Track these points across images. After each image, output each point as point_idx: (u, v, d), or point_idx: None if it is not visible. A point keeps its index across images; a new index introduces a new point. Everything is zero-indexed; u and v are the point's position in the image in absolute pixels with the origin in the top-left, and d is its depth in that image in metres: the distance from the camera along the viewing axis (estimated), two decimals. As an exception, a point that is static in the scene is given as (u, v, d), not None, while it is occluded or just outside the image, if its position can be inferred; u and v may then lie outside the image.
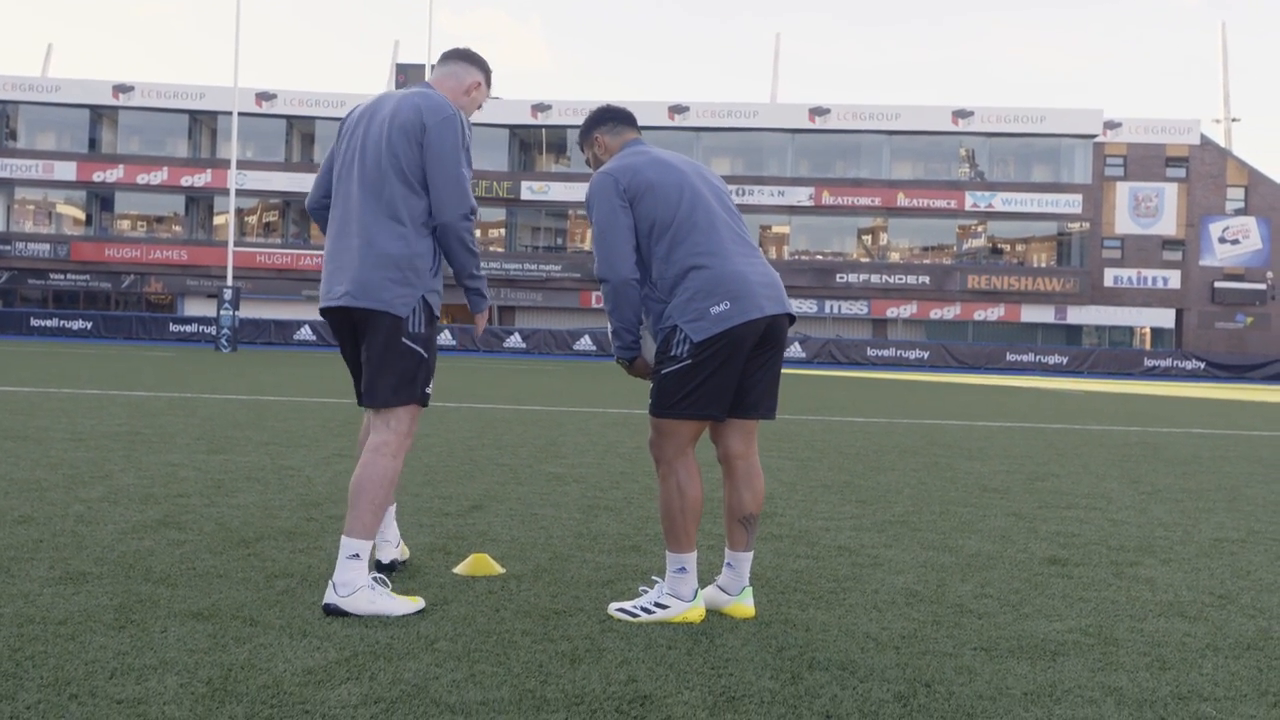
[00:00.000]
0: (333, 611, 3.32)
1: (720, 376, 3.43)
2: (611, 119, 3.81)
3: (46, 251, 47.10)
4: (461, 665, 2.89)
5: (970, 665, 3.06)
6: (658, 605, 3.46)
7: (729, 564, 3.62)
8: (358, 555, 3.39)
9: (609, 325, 3.63)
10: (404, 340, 3.51)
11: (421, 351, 3.55)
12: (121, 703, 2.51)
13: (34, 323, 42.27)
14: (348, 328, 3.63)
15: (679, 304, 3.45)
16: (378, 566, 3.87)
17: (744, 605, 3.56)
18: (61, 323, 42.36)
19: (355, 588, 3.35)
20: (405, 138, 3.50)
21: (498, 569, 4.03)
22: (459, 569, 4.01)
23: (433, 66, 3.89)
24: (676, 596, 3.47)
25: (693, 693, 2.75)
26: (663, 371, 3.48)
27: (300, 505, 5.34)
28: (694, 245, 3.47)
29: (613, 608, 3.52)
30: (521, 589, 3.78)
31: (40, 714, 2.43)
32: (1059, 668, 3.06)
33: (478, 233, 46.89)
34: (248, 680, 2.70)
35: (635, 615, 3.44)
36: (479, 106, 3.88)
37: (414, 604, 3.43)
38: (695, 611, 3.47)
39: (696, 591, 3.49)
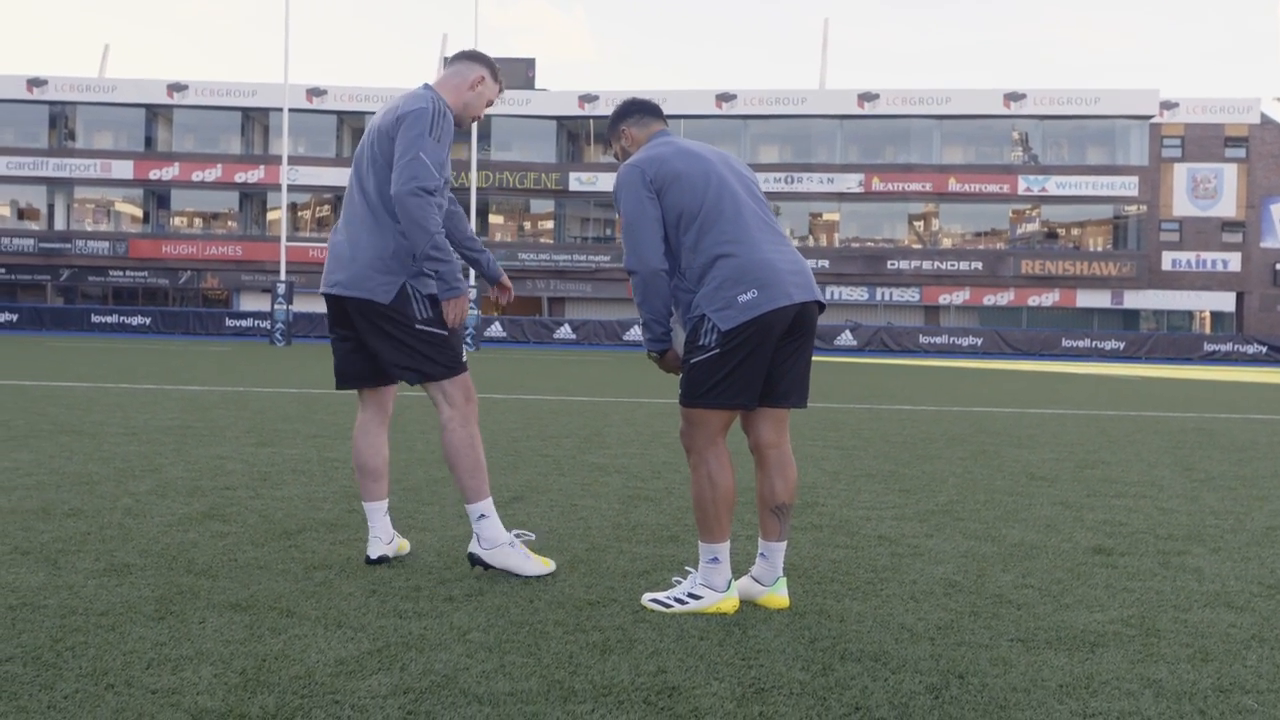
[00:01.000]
0: (474, 561, 3.79)
1: (749, 365, 3.41)
2: (637, 111, 3.80)
3: (106, 249, 48.01)
4: (492, 656, 2.90)
5: (1006, 656, 3.02)
6: (691, 596, 3.46)
7: (762, 554, 3.60)
8: (484, 515, 3.81)
9: (639, 318, 3.62)
10: (419, 327, 3.79)
11: (439, 331, 3.83)
12: (156, 693, 2.56)
13: (94, 319, 43.09)
14: (340, 313, 3.92)
15: (706, 293, 3.43)
16: (366, 561, 3.95)
17: (778, 596, 3.55)
18: (121, 319, 43.14)
19: (497, 543, 3.79)
20: (382, 134, 3.77)
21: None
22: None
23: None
24: (710, 587, 3.46)
25: (722, 684, 2.74)
26: (691, 361, 3.48)
27: (343, 497, 5.39)
28: (721, 234, 3.45)
29: (646, 598, 3.53)
30: (557, 580, 3.79)
31: (77, 703, 2.48)
32: (1097, 659, 3.01)
33: (527, 224, 46.92)
34: (280, 670, 2.73)
35: (668, 606, 3.44)
36: (490, 102, 4.04)
37: (546, 566, 3.85)
38: (729, 602, 3.46)
39: (730, 582, 3.48)
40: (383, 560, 3.94)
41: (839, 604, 3.57)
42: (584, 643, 3.05)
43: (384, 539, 3.98)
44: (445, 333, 3.84)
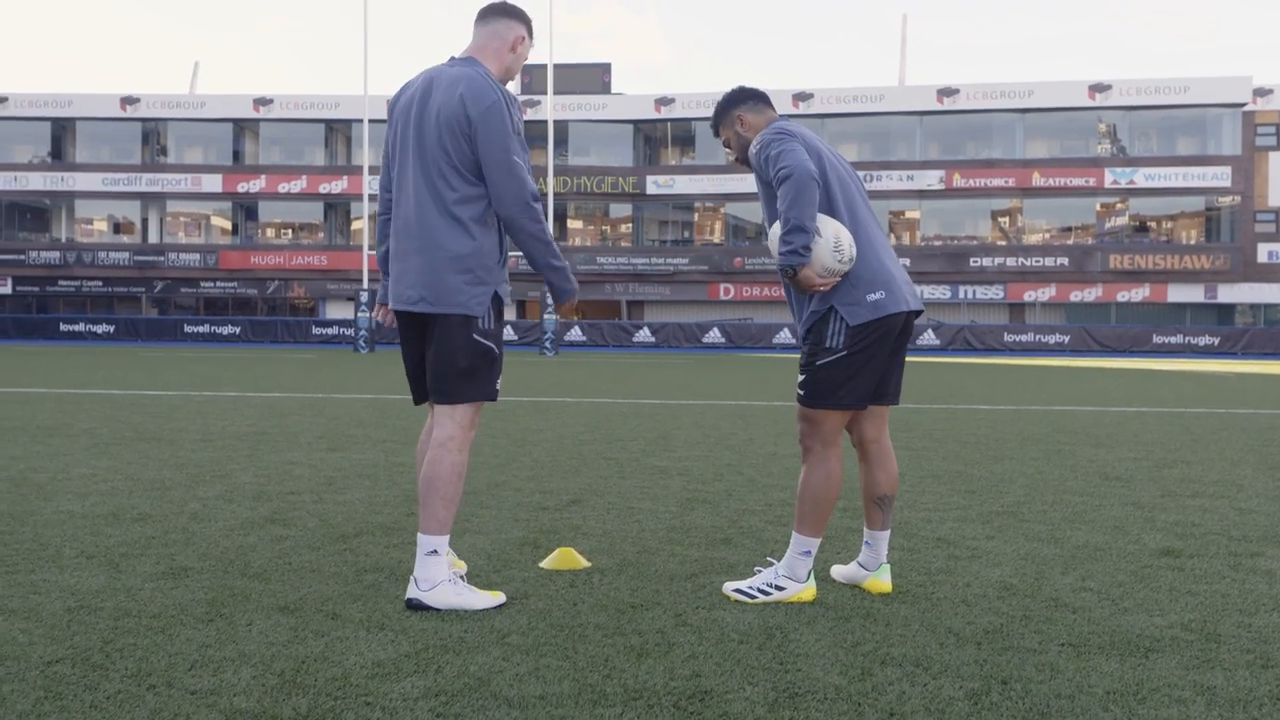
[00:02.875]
0: (416, 606, 3.37)
1: (872, 366, 3.57)
2: (753, 98, 3.86)
3: (197, 261, 49.34)
4: (529, 659, 2.91)
5: (1054, 662, 2.93)
6: (775, 586, 3.59)
7: (867, 542, 3.78)
8: (435, 551, 3.43)
9: (774, 230, 3.51)
10: (475, 338, 3.50)
11: (494, 348, 3.55)
12: (195, 694, 2.61)
13: (187, 329, 44.33)
14: (417, 328, 3.63)
15: (835, 288, 3.52)
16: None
17: (881, 581, 3.73)
18: (212, 328, 44.32)
19: (436, 582, 3.39)
20: (453, 132, 3.45)
21: (583, 563, 4.04)
22: (544, 563, 4.04)
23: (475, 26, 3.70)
24: (792, 578, 3.59)
25: (755, 689, 2.70)
26: (817, 363, 3.57)
27: (404, 500, 5.46)
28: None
29: (729, 588, 3.64)
30: (604, 583, 3.79)
31: (118, 703, 2.53)
32: (1150, 665, 2.91)
33: (606, 228, 47.04)
34: (318, 672, 2.77)
35: (753, 597, 3.56)
36: (524, 60, 3.74)
37: (495, 598, 3.46)
38: (809, 591, 3.60)
39: (810, 573, 3.62)
40: None
41: (887, 607, 3.51)
42: (621, 646, 3.04)
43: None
44: (498, 350, 3.56)
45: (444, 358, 3.51)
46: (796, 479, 6.27)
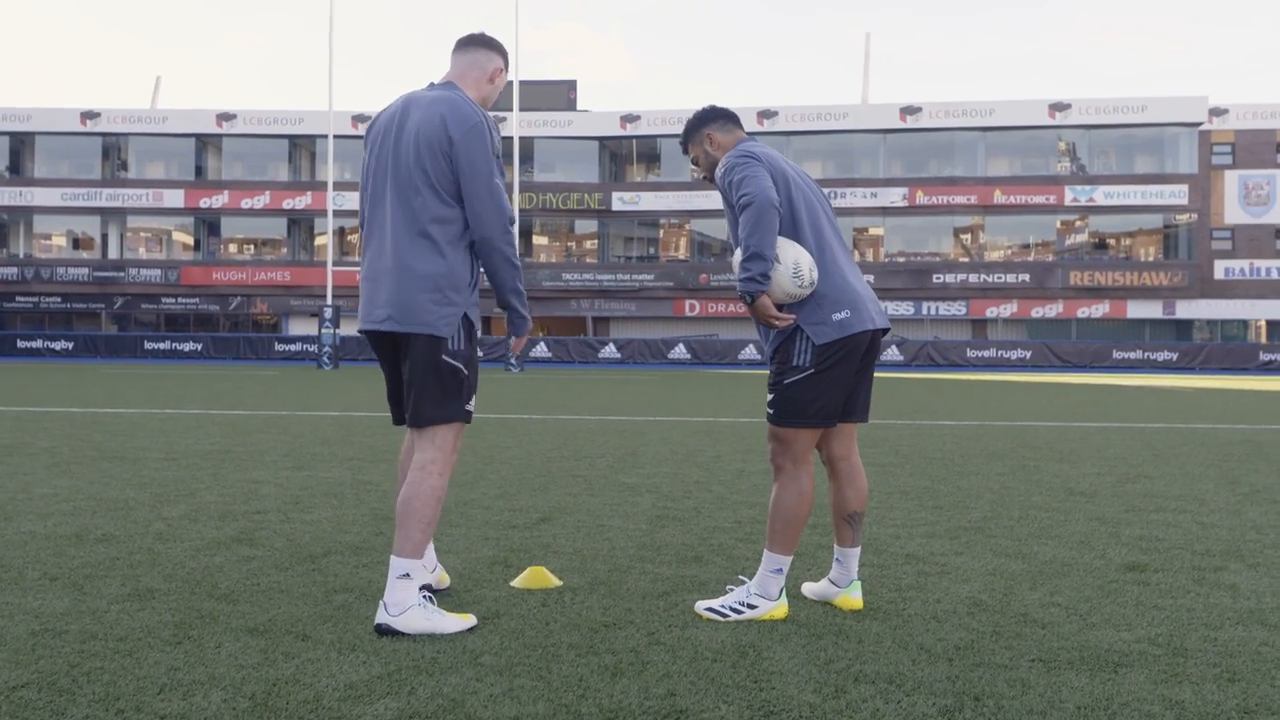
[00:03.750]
0: (385, 631, 3.32)
1: (841, 383, 3.60)
2: (722, 117, 3.89)
3: (158, 277, 48.85)
4: (502, 679, 2.89)
5: (1025, 678, 2.95)
6: (747, 605, 3.60)
7: (837, 559, 3.81)
8: (408, 575, 3.39)
9: (737, 255, 3.53)
10: (445, 359, 3.48)
11: (463, 369, 3.52)
12: (164, 718, 2.57)
13: (147, 346, 43.82)
14: (388, 348, 3.62)
15: (800, 307, 3.56)
16: None
17: (852, 598, 3.76)
18: (173, 345, 43.85)
19: (406, 606, 3.34)
20: (432, 151, 3.45)
21: (554, 581, 4.03)
22: (516, 582, 4.02)
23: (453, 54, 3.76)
24: (764, 596, 3.61)
25: (731, 707, 2.70)
26: (785, 382, 3.60)
27: (372, 520, 5.42)
28: (812, 254, 3.58)
29: (700, 606, 3.64)
30: (575, 601, 3.78)
31: (86, 729, 2.50)
32: (1119, 680, 2.94)
33: (571, 244, 47.10)
34: (290, 695, 2.74)
35: (725, 615, 3.57)
36: (499, 92, 3.78)
37: (465, 621, 3.42)
38: (781, 609, 3.61)
39: (783, 590, 3.64)
40: (424, 590, 3.62)
41: (859, 624, 3.52)
42: (595, 665, 3.03)
43: (428, 566, 3.73)
44: (468, 371, 3.54)
45: (414, 380, 3.50)
46: (765, 496, 6.31)
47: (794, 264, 3.49)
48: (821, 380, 3.56)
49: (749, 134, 3.88)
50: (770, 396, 3.67)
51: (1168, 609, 3.74)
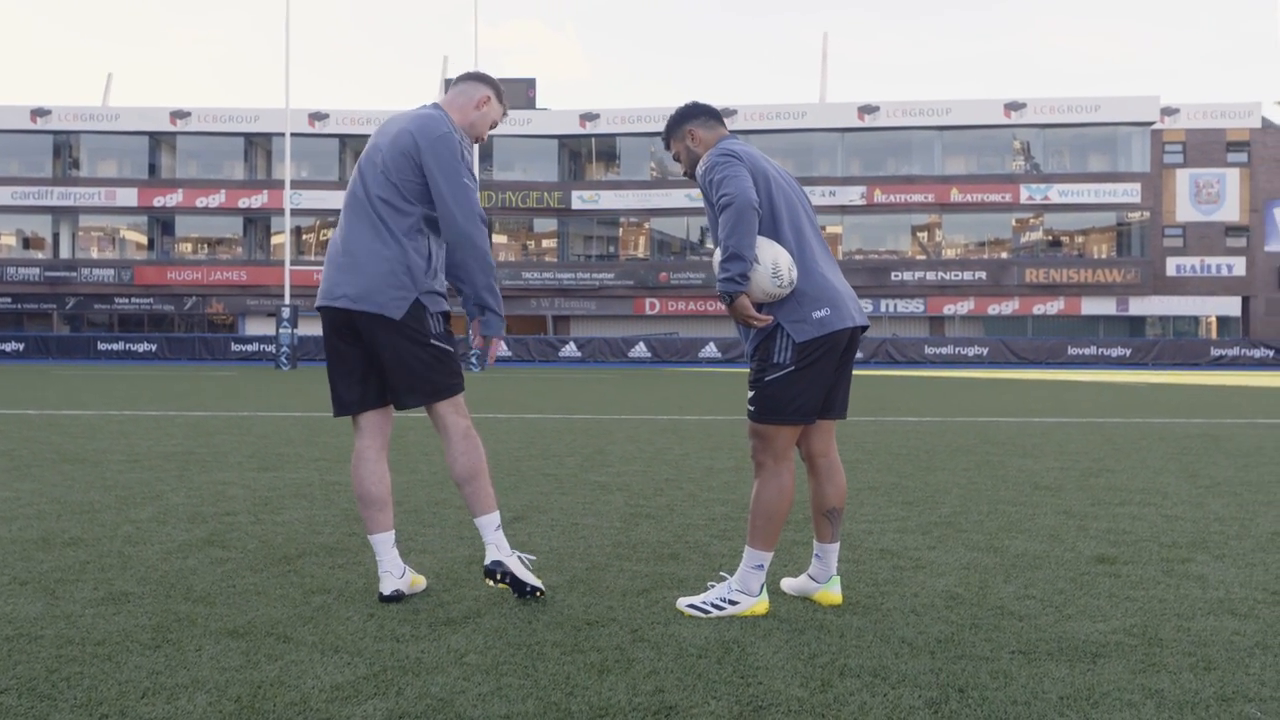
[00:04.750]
0: (499, 571, 3.70)
1: (821, 380, 3.61)
2: (704, 113, 3.90)
3: (111, 276, 48.16)
4: (489, 678, 2.89)
5: (1007, 669, 2.99)
6: (728, 601, 3.61)
7: (817, 555, 3.82)
8: (500, 525, 3.80)
9: (717, 254, 3.55)
10: (434, 343, 3.73)
11: (449, 348, 3.81)
12: (150, 722, 2.54)
13: (100, 347, 43.18)
14: (345, 329, 3.77)
15: (780, 305, 3.58)
16: (379, 599, 3.71)
17: (831, 593, 3.77)
18: (127, 346, 43.24)
19: (509, 549, 3.76)
20: (402, 154, 3.68)
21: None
22: (490, 583, 4.01)
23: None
24: (745, 592, 3.62)
25: (719, 702, 2.72)
26: (766, 379, 3.60)
27: (344, 520, 5.38)
28: (789, 249, 3.60)
29: (682, 603, 3.65)
30: (556, 600, 3.78)
31: (71, 735, 2.46)
32: (1099, 670, 2.99)
33: (531, 243, 46.96)
34: (276, 697, 2.72)
35: (706, 612, 3.58)
36: (494, 124, 4.00)
37: (537, 581, 3.77)
38: (762, 605, 3.63)
39: (763, 586, 3.65)
40: (397, 597, 3.70)
41: (839, 619, 3.55)
42: (582, 663, 3.03)
43: (395, 573, 3.75)
44: (452, 349, 3.82)
45: (385, 364, 3.73)
46: (736, 493, 6.34)
47: (773, 264, 3.51)
48: (802, 377, 3.58)
49: (731, 133, 3.89)
50: (751, 394, 3.69)
51: (1140, 600, 3.80)
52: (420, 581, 3.89)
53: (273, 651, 3.11)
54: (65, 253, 50.19)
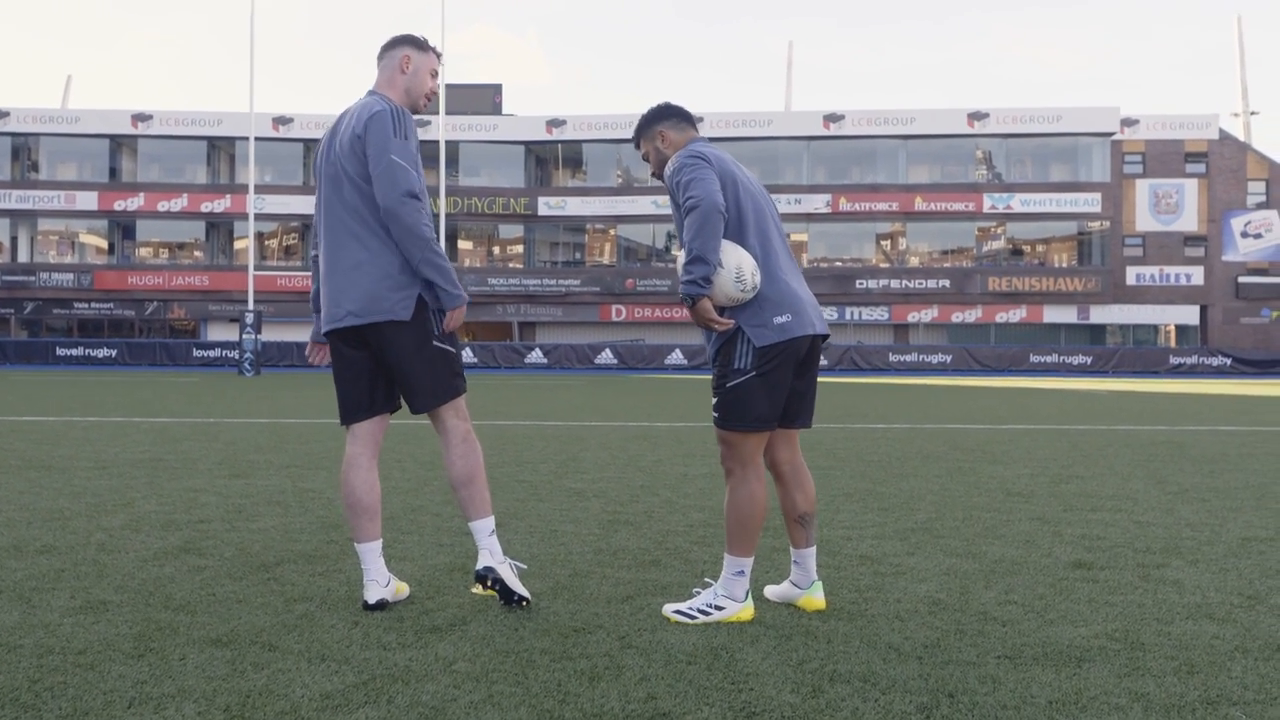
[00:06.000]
0: (489, 575, 3.68)
1: (781, 386, 3.61)
2: (675, 115, 3.91)
3: (70, 281, 47.54)
4: (480, 686, 2.87)
5: (994, 674, 3.02)
6: (714, 607, 3.61)
7: (795, 561, 3.83)
8: (494, 531, 3.80)
9: (681, 257, 3.55)
10: (435, 344, 3.72)
11: (452, 349, 3.79)
12: (139, 732, 2.51)
13: (59, 352, 42.58)
14: (353, 337, 3.75)
15: (742, 309, 3.57)
16: (364, 607, 3.67)
17: (815, 598, 3.78)
18: (86, 351, 42.66)
19: (503, 560, 3.74)
20: (352, 152, 3.68)
21: (517, 587, 4.00)
22: (478, 589, 3.99)
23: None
24: (730, 598, 3.63)
25: (712, 709, 2.72)
26: (727, 385, 3.61)
27: (321, 528, 5.34)
28: (753, 255, 3.60)
29: (668, 609, 3.65)
30: (541, 607, 3.76)
31: (58, 746, 2.43)
32: (1085, 674, 3.02)
33: (497, 249, 46.75)
34: (265, 706, 2.69)
35: (693, 618, 3.58)
36: (433, 72, 3.90)
37: (524, 591, 3.75)
38: (747, 611, 3.63)
39: (748, 592, 3.66)
40: (382, 605, 3.66)
41: (825, 625, 3.57)
42: (572, 670, 3.02)
43: (381, 581, 3.71)
44: (453, 350, 3.80)
45: (409, 367, 3.70)
46: (713, 499, 6.35)
47: (736, 268, 3.53)
48: (762, 383, 3.57)
49: (701, 137, 3.90)
50: (714, 400, 3.69)
51: (1119, 605, 3.84)
52: (404, 589, 3.88)
53: (259, 660, 3.08)
54: (24, 257, 49.49)
